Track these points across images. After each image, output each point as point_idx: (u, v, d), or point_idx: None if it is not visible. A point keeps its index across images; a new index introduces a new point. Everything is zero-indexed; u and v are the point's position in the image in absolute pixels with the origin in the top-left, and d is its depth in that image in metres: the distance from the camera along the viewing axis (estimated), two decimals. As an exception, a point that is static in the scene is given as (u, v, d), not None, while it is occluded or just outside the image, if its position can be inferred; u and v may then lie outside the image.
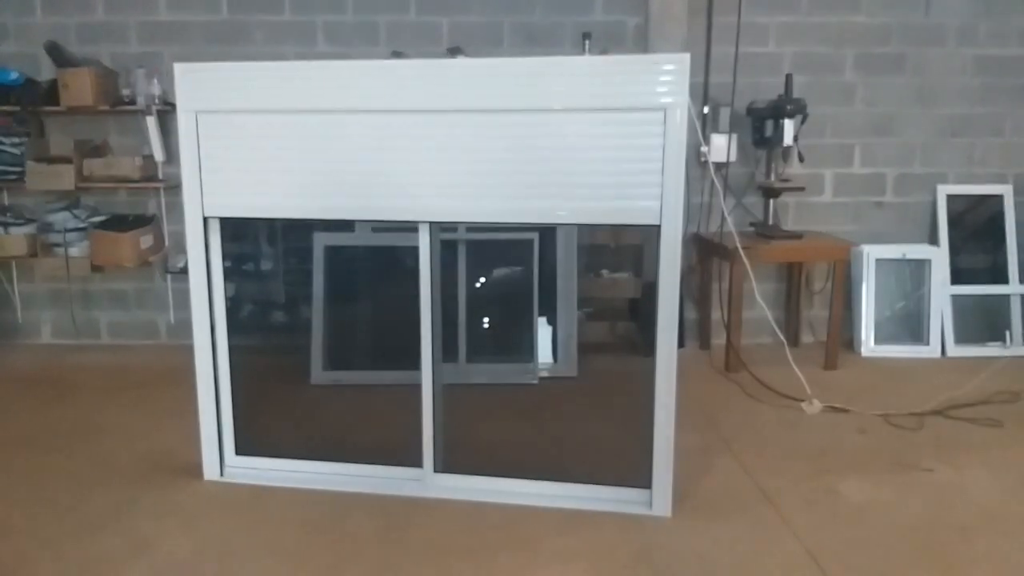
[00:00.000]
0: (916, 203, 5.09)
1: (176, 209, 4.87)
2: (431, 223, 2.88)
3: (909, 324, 4.95)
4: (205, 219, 2.98)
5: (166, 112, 4.69)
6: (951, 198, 5.05)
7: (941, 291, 4.92)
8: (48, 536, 2.72)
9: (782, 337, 4.39)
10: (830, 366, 4.57)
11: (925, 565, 2.55)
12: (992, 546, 2.65)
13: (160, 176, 4.81)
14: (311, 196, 2.88)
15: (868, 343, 4.89)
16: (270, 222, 4.79)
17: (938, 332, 4.87)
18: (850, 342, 4.98)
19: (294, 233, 4.77)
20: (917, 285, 4.97)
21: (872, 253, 4.94)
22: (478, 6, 4.79)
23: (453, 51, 4.54)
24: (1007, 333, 4.89)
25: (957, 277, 4.98)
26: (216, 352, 3.10)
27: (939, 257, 4.95)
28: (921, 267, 4.96)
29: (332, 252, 4.41)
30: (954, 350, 4.86)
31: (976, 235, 5.06)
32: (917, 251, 4.98)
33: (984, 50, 4.92)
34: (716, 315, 4.91)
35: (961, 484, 3.11)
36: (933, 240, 5.06)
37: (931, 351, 4.85)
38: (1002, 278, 4.99)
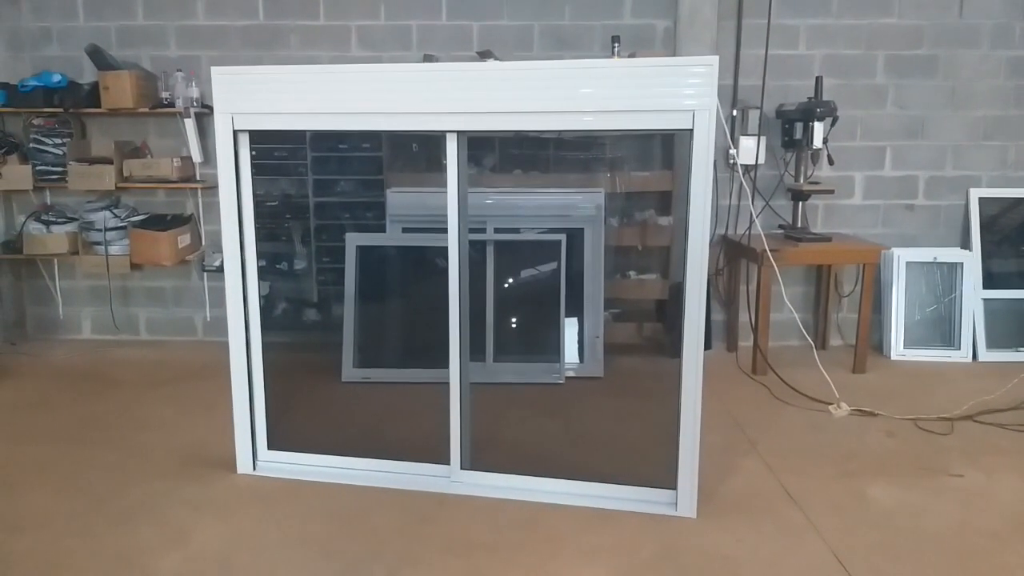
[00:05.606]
0: (948, 206, 5.03)
1: (213, 209, 4.99)
2: (459, 132, 2.88)
3: (940, 328, 4.90)
4: (235, 132, 2.99)
5: (204, 114, 4.81)
6: (984, 201, 4.98)
7: (973, 295, 4.86)
8: (85, 526, 2.81)
9: (810, 340, 4.37)
10: (859, 369, 4.54)
11: (956, 571, 2.53)
12: None
13: (197, 177, 4.93)
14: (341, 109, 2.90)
15: (898, 347, 4.85)
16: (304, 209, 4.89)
17: (969, 336, 4.81)
18: (879, 346, 4.95)
19: (326, 233, 4.86)
20: (948, 289, 4.91)
21: (903, 256, 4.90)
22: (508, 10, 4.83)
23: (483, 54, 4.58)
24: (1041, 338, 4.83)
25: (989, 281, 4.92)
26: (250, 348, 3.17)
27: (971, 261, 4.89)
28: (953, 271, 4.90)
29: (363, 252, 4.49)
30: (986, 355, 4.80)
31: (1009, 239, 4.99)
32: (949, 255, 4.92)
33: (1019, 52, 4.85)
34: (743, 317, 4.90)
35: (992, 490, 3.08)
36: (965, 244, 5.01)
37: (962, 355, 4.79)
38: (1036, 283, 4.93)
